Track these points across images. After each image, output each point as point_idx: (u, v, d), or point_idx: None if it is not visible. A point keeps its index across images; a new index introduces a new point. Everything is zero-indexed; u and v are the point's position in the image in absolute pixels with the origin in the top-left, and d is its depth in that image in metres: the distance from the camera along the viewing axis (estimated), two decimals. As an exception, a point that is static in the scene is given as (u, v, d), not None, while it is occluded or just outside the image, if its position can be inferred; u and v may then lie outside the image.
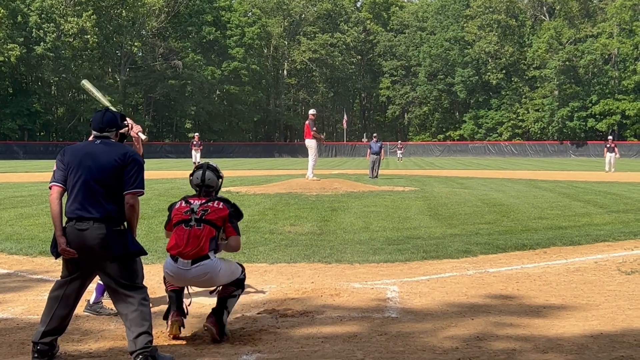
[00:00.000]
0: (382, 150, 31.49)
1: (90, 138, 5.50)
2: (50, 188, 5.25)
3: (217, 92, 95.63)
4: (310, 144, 22.76)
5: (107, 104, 6.54)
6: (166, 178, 30.68)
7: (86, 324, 6.40)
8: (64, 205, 5.25)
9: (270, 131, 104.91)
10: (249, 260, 9.69)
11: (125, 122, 5.69)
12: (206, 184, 6.00)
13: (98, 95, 6.94)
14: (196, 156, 41.51)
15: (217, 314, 5.76)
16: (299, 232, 12.36)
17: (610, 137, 44.41)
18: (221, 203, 5.87)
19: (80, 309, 6.78)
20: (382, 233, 12.29)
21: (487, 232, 12.33)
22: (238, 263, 6.17)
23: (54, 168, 5.32)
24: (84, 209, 5.10)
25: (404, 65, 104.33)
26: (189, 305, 6.15)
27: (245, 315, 6.60)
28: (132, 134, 6.46)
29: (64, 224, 5.19)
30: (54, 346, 5.27)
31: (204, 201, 5.88)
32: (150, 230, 12.51)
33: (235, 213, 5.89)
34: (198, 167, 6.13)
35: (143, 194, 5.33)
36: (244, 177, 31.04)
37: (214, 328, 5.68)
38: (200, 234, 5.66)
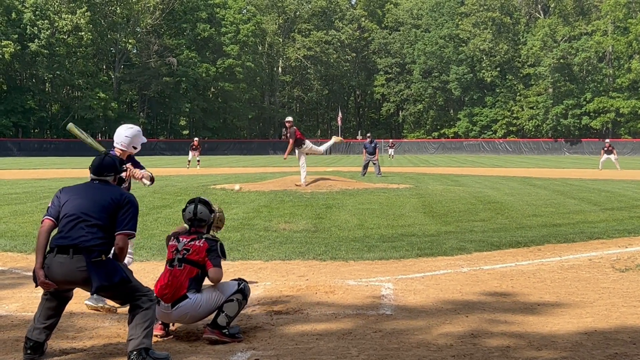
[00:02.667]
0: (377, 150, 31.60)
1: (89, 180, 5.59)
2: (42, 222, 5.31)
3: (212, 89, 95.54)
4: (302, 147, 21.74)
5: (96, 146, 6.68)
6: (160, 175, 30.62)
7: (80, 321, 6.39)
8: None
9: (265, 128, 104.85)
10: (244, 257, 9.69)
11: (124, 167, 5.83)
12: (198, 218, 6.04)
13: (86, 139, 7.04)
14: (193, 157, 41.52)
15: (213, 320, 5.77)
16: (294, 230, 12.36)
17: (607, 141, 44.39)
18: (203, 240, 5.92)
19: (75, 306, 6.77)
20: (377, 230, 12.30)
21: (482, 230, 12.34)
22: (239, 279, 6.11)
23: (49, 204, 5.41)
24: (68, 239, 5.15)
25: (399, 63, 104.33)
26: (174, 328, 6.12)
27: (240, 313, 6.59)
28: (136, 178, 6.63)
29: (46, 255, 5.22)
30: (45, 341, 5.33)
31: (189, 239, 5.94)
32: (145, 227, 12.48)
33: (215, 248, 5.90)
34: (190, 201, 6.14)
35: (134, 236, 5.44)
36: (238, 175, 31.03)
37: (212, 335, 5.68)
38: (180, 274, 5.77)
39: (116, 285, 5.18)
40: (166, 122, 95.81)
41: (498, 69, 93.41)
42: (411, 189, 21.71)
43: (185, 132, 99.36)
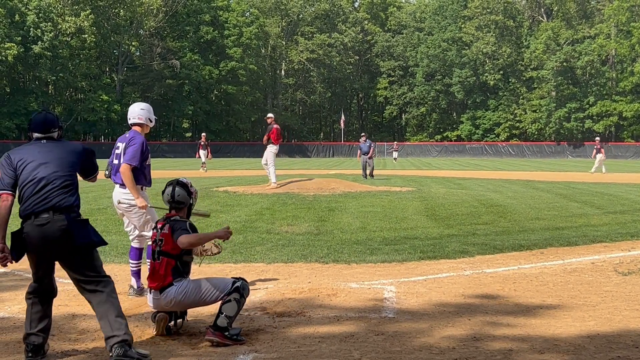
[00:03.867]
0: (372, 149, 31.30)
1: (33, 139, 5.41)
2: (0, 196, 5.18)
3: (215, 92, 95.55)
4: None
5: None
6: (162, 177, 30.57)
7: (83, 323, 6.39)
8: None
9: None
10: (246, 260, 9.69)
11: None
12: (176, 200, 6.08)
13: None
14: (202, 156, 39.67)
15: (214, 321, 5.76)
16: (296, 232, 12.36)
17: (597, 139, 43.84)
18: (167, 225, 5.95)
19: (78, 307, 6.78)
20: (380, 233, 12.30)
21: (484, 233, 12.34)
22: (237, 277, 6.04)
23: None
24: (41, 203, 5.09)
25: (402, 66, 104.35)
26: (178, 326, 6.10)
27: (242, 315, 6.59)
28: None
29: (20, 225, 5.20)
30: (44, 343, 5.31)
31: (161, 226, 6.00)
32: (147, 229, 12.51)
33: (178, 227, 5.86)
34: (168, 183, 6.18)
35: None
36: (241, 177, 31.03)
37: (214, 337, 5.68)
38: (159, 267, 5.85)
39: (94, 244, 5.21)
40: (169, 124, 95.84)
41: (501, 72, 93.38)
42: (414, 192, 21.70)
43: (188, 134, 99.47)
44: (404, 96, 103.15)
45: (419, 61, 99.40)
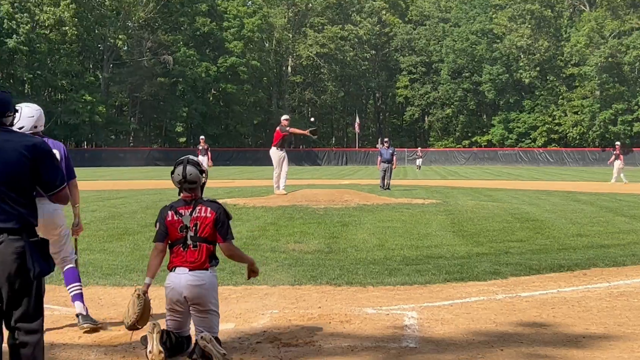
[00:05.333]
0: (395, 158, 31.35)
1: None
2: None
3: (212, 92, 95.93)
4: (272, 152, 23.94)
5: None
6: (154, 189, 30.72)
7: (63, 353, 6.41)
8: None
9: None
10: (248, 281, 9.69)
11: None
12: (188, 180, 6.29)
13: None
14: (202, 163, 40.28)
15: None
16: (305, 250, 12.37)
17: (618, 144, 43.16)
18: (207, 208, 6.24)
19: (57, 336, 6.79)
20: (399, 251, 12.29)
21: (519, 251, 12.31)
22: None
23: None
24: None
25: (425, 62, 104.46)
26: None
27: (243, 345, 6.60)
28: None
29: None
30: None
31: (191, 210, 6.21)
32: (135, 247, 12.54)
33: (222, 217, 6.27)
34: (178, 162, 6.37)
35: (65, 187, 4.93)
36: (242, 188, 31.08)
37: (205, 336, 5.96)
38: (198, 255, 6.12)
39: (45, 273, 4.70)
40: (161, 128, 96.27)
41: (537, 68, 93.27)
42: (438, 204, 21.68)
43: (182, 139, 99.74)
44: (427, 96, 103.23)
45: (444, 56, 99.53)
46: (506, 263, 11.01)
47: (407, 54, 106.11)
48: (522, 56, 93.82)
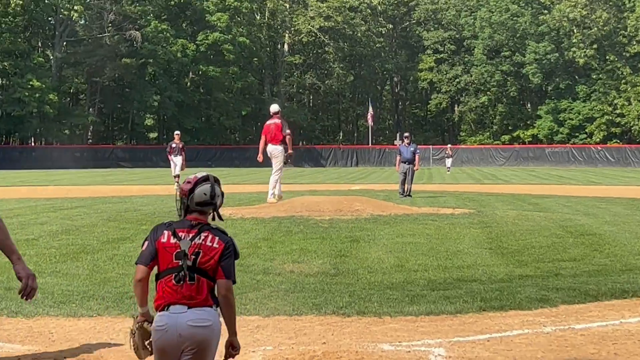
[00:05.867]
0: (417, 157, 31.18)
1: None
2: None
3: (191, 76, 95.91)
4: (277, 151, 23.37)
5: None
6: (118, 196, 30.74)
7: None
8: None
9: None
10: (236, 310, 9.68)
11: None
12: (214, 202, 6.15)
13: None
14: (176, 166, 38.10)
15: None
16: (306, 272, 12.37)
17: None
18: (215, 238, 5.94)
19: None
20: (423, 273, 12.29)
21: (572, 273, 12.30)
22: None
23: None
24: None
25: (454, 38, 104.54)
26: None
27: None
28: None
29: None
30: None
31: (194, 234, 5.97)
32: (95, 268, 12.53)
33: (231, 249, 6.00)
34: (202, 179, 6.17)
35: None
36: (228, 195, 30.92)
37: None
38: (198, 291, 5.82)
39: None
40: (126, 121, 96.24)
41: (595, 46, 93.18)
42: (471, 215, 21.67)
43: (153, 134, 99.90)
44: (456, 80, 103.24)
45: (479, 31, 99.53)
46: (556, 288, 10.99)
47: (432, 29, 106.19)
48: (575, 31, 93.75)
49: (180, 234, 5.95)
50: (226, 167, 79.51)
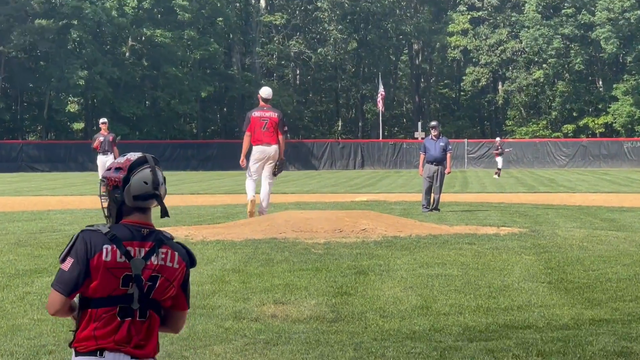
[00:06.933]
0: (449, 155, 31.02)
1: None
2: None
3: (130, 43, 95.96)
4: (273, 151, 23.32)
5: None
6: (30, 211, 30.72)
7: None
8: None
9: (234, 117, 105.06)
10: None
11: None
12: (160, 194, 5.78)
13: None
14: (104, 165, 38.19)
15: None
16: (293, 318, 12.38)
17: None
18: (175, 254, 5.68)
19: None
20: (457, 318, 12.31)
21: (664, 316, 12.34)
22: None
23: None
24: None
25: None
26: None
27: None
28: None
29: None
30: None
31: (149, 249, 5.68)
32: (1, 312, 12.52)
33: (188, 269, 5.84)
34: (139, 161, 5.82)
35: None
36: (182, 209, 31.07)
37: None
38: (147, 334, 5.64)
39: None
40: (40, 106, 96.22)
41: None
42: (523, 236, 21.69)
43: (78, 125, 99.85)
44: (500, 48, 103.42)
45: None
46: (642, 337, 11.03)
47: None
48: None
49: (129, 248, 5.59)
50: (180, 170, 79.67)
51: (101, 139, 36.98)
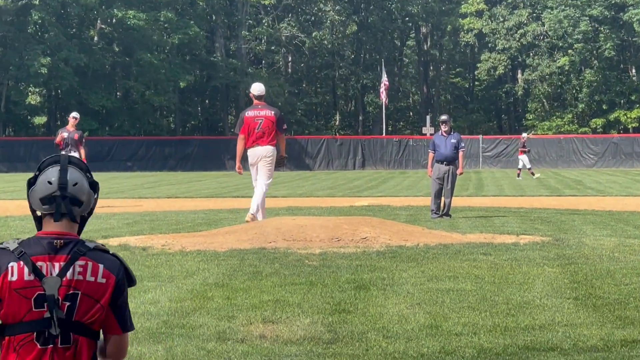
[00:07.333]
0: (462, 154, 30.94)
1: None
2: None
3: (99, 26, 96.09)
4: (270, 152, 23.46)
5: None
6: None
7: None
8: None
9: (217, 111, 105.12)
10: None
11: None
12: (69, 196, 5.52)
13: None
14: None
15: None
16: (285, 338, 12.39)
17: None
18: (99, 266, 5.54)
19: None
20: (471, 339, 12.32)
21: None
22: None
23: None
24: None
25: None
26: None
27: None
28: None
29: None
30: None
31: (64, 264, 5.59)
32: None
33: (124, 286, 5.63)
34: (48, 161, 5.67)
35: None
36: (158, 215, 31.09)
37: None
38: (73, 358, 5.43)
39: None
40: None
41: None
42: (546, 245, 21.74)
43: (40, 119, 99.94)
44: (520, 32, 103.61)
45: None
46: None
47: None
48: None
49: (40, 263, 5.29)
50: (156, 171, 79.78)
51: (65, 134, 35.46)
